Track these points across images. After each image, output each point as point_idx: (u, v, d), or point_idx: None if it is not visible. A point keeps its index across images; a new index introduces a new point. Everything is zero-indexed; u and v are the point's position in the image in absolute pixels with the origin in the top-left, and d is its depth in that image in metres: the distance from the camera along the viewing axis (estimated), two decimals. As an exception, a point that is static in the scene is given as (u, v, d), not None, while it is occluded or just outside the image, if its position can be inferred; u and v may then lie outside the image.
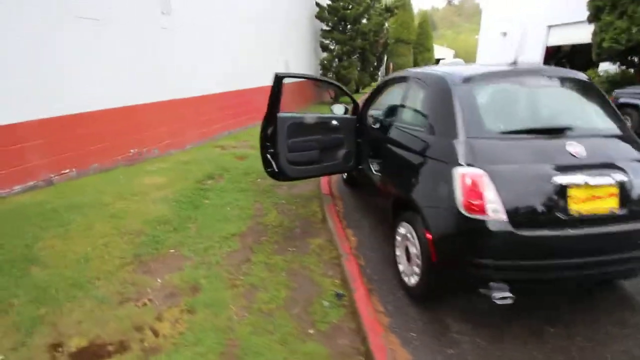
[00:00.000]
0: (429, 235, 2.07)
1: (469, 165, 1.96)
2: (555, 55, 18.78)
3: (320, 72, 12.81)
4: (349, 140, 4.02)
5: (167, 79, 5.82)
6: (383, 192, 2.93)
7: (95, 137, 4.58)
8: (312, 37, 12.28)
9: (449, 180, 2.00)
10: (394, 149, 2.73)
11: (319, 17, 12.03)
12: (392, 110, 3.17)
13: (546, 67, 3.04)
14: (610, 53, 9.10)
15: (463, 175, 1.95)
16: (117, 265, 2.58)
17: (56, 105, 4.05)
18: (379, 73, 20.23)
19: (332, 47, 12.51)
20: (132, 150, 5.12)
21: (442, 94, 2.31)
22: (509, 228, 1.83)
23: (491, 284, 1.91)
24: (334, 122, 3.85)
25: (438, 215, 2.06)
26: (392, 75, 3.59)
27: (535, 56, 18.24)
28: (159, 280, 2.51)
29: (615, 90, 7.45)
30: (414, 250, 2.29)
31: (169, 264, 2.74)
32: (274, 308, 2.30)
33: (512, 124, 2.15)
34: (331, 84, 4.24)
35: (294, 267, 2.79)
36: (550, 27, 17.78)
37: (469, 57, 30.27)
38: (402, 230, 2.51)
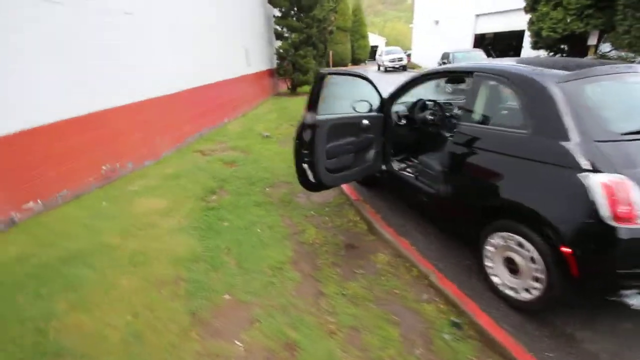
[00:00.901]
0: (566, 250, 1.91)
1: (604, 171, 1.83)
2: (482, 42, 20.54)
3: (277, 61, 12.09)
4: (378, 140, 3.72)
5: (128, 78, 4.79)
6: (455, 200, 2.71)
7: (58, 156, 3.54)
8: (266, 23, 11.45)
9: (581, 189, 1.85)
10: (478, 152, 2.50)
11: (272, 1, 11.23)
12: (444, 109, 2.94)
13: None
14: (547, 42, 10.14)
15: (605, 183, 1.82)
16: (177, 333, 1.95)
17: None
18: (324, 62, 20.00)
19: (286, 35, 11.84)
20: (104, 167, 4.12)
21: (546, 93, 2.14)
22: None
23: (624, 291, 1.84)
24: (365, 122, 3.51)
25: (577, 227, 1.90)
26: (432, 69, 3.34)
27: (465, 43, 19.72)
28: (238, 343, 1.97)
29: None
30: (530, 264, 2.13)
31: (235, 316, 2.18)
32: (395, 354, 1.95)
33: (631, 123, 2.07)
34: (370, 81, 3.76)
35: (379, 294, 2.44)
36: (477, 15, 19.34)
37: (399, 44, 31.67)
38: (496, 240, 2.34)
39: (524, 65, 2.47)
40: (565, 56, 10.52)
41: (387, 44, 39.27)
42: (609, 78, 2.25)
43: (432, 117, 3.77)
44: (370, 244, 3.09)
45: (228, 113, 8.37)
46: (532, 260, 2.12)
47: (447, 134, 3.94)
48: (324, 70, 3.02)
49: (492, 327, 2.02)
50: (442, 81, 6.28)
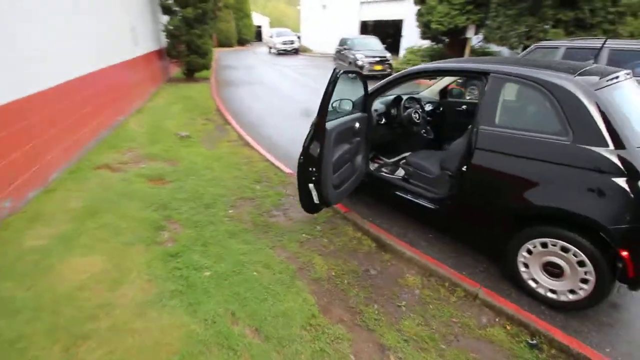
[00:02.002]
0: (624, 253, 1.98)
1: None
2: (366, 29, 21.87)
3: (167, 40, 10.10)
4: (364, 143, 3.36)
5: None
6: (481, 209, 2.60)
7: None
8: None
9: (633, 192, 1.94)
10: (510, 158, 2.39)
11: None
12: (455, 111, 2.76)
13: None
14: (434, 33, 11.34)
15: (659, 188, 1.93)
16: None
17: None
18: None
19: (175, 9, 9.93)
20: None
21: (584, 102, 2.13)
22: None
23: None
24: (357, 124, 3.08)
25: (634, 230, 1.97)
26: (425, 67, 3.08)
27: (352, 29, 20.64)
28: None
29: None
30: (578, 267, 2.17)
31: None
32: (507, 405, 1.72)
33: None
34: (363, 77, 3.21)
35: (440, 329, 2.16)
36: (362, 3, 20.37)
37: (283, 26, 31.19)
38: (534, 247, 2.33)
39: (544, 69, 2.45)
40: (448, 47, 12.03)
41: (271, 25, 38.17)
42: (622, 83, 2.40)
43: (416, 116, 3.60)
44: (391, 266, 2.76)
45: (122, 108, 6.56)
46: (580, 264, 2.17)
47: (425, 134, 3.89)
48: (339, 68, 2.44)
49: (571, 342, 1.99)
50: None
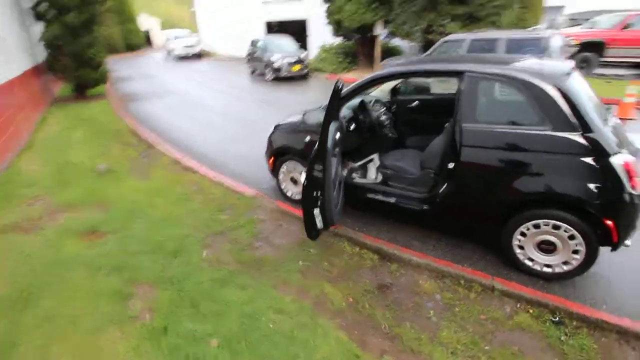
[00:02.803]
0: (609, 222, 2.26)
1: (618, 153, 2.25)
2: (270, 30, 21.58)
3: (48, 52, 8.27)
4: (339, 150, 3.22)
5: None
6: (473, 202, 2.70)
7: None
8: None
9: (610, 170, 2.23)
10: (498, 151, 2.51)
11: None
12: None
13: None
14: (346, 31, 11.73)
15: (626, 162, 2.24)
16: None
17: None
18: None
19: (50, 18, 8.15)
20: None
21: (555, 94, 2.35)
22: None
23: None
24: (338, 135, 2.92)
25: (616, 202, 2.26)
26: (397, 69, 3.02)
27: (258, 30, 20.18)
28: None
29: (386, 60, 9.85)
30: (569, 241, 2.42)
31: None
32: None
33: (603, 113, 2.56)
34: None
35: (477, 330, 2.16)
36: (264, 3, 19.98)
37: (174, 27, 28.84)
38: (527, 229, 2.53)
39: (505, 65, 2.64)
40: (360, 43, 12.57)
41: (163, 28, 34.91)
42: (573, 74, 2.70)
43: (385, 118, 3.59)
44: (401, 276, 2.70)
45: (8, 144, 5.15)
46: (571, 237, 2.42)
47: (390, 134, 3.91)
48: (341, 83, 2.21)
49: (588, 311, 2.20)
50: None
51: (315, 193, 2.39)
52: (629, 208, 2.27)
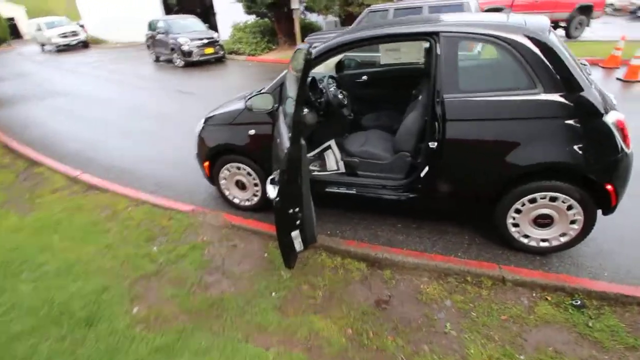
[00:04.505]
0: (609, 187, 2.09)
1: (609, 112, 2.07)
2: (169, 11, 19.02)
3: None
4: None
5: None
6: (464, 181, 2.35)
7: None
8: None
9: (606, 130, 2.03)
10: (488, 123, 2.15)
11: None
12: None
13: None
14: (260, 7, 10.69)
15: (619, 120, 2.07)
16: None
17: None
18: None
19: None
20: None
21: (544, 47, 2.05)
22: None
23: None
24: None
25: (612, 164, 2.08)
26: (352, 36, 2.42)
27: (156, 12, 17.64)
28: None
29: (309, 36, 9.10)
30: (567, 211, 2.22)
31: None
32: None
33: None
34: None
35: (503, 337, 1.82)
36: (157, -21, 17.36)
37: (48, 14, 23.91)
38: (522, 205, 2.29)
39: (482, 20, 2.26)
40: (276, 20, 11.62)
41: (30, 15, 28.70)
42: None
43: (342, 96, 3.02)
44: (398, 283, 2.25)
45: None
46: (569, 207, 2.23)
47: (347, 114, 3.36)
48: (312, 41, 1.53)
49: (605, 286, 2.02)
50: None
51: (292, 210, 1.76)
52: (625, 169, 2.12)
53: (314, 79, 2.92)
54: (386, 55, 3.52)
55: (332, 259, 2.46)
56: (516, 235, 2.43)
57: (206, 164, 3.06)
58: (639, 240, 2.48)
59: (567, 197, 2.19)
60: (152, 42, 12.20)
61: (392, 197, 2.60)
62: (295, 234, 1.82)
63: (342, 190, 2.75)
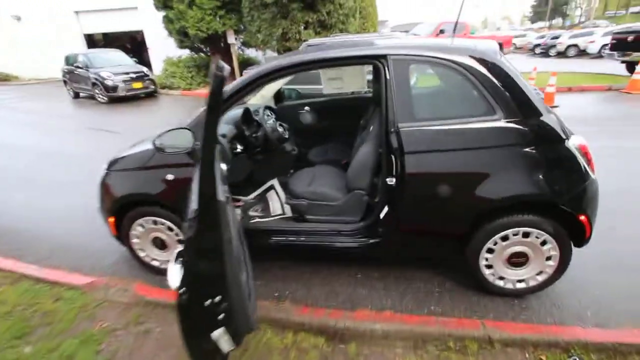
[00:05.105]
0: (583, 217, 1.89)
1: (570, 136, 1.93)
2: (94, 45, 17.69)
3: None
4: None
5: None
6: (425, 221, 2.03)
7: None
8: None
9: (571, 156, 1.87)
10: (449, 154, 1.86)
11: None
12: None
13: None
14: (195, 41, 10.24)
15: (581, 144, 1.93)
16: None
17: None
18: None
19: None
20: None
21: (502, 71, 1.87)
22: None
23: None
24: (224, 167, 1.80)
25: (582, 192, 1.89)
26: (289, 61, 2.05)
27: (76, 45, 16.25)
28: None
29: (247, 69, 8.73)
30: (542, 247, 1.98)
31: None
32: None
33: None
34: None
35: None
36: (77, 12, 16.14)
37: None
38: (494, 244, 2.02)
39: (427, 43, 2.05)
40: (213, 53, 11.23)
41: None
42: None
43: (282, 129, 2.59)
44: (374, 356, 1.76)
45: None
46: (543, 243, 1.99)
47: (291, 150, 2.93)
48: (221, 65, 1.06)
49: (599, 335, 1.75)
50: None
51: (210, 302, 1.20)
52: (594, 197, 1.96)
53: (247, 110, 2.48)
54: (328, 85, 3.24)
55: (280, 337, 1.89)
56: (491, 279, 2.13)
57: (111, 219, 2.36)
58: (605, 264, 2.34)
59: (540, 231, 1.95)
60: (70, 77, 10.96)
61: (350, 244, 2.18)
62: (218, 333, 1.26)
63: (290, 239, 2.27)
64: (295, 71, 2.07)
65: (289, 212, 2.53)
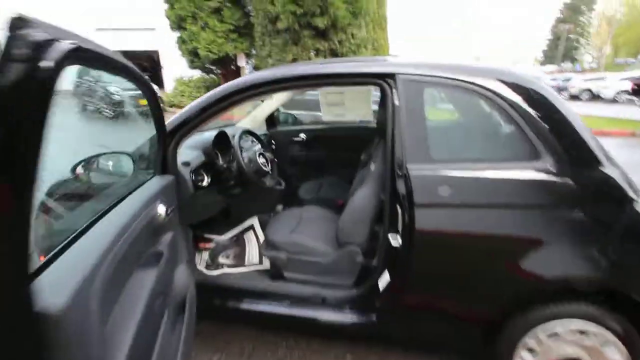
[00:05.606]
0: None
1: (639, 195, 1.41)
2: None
3: None
4: (184, 235, 1.63)
5: None
6: (445, 292, 1.50)
7: None
8: None
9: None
10: (480, 210, 1.36)
11: None
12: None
13: None
14: (205, 62, 10.23)
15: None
16: None
17: None
18: None
19: None
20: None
21: (539, 99, 1.41)
22: None
23: None
24: (162, 209, 1.32)
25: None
26: (275, 73, 1.62)
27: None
28: None
29: None
30: (601, 349, 1.42)
31: None
32: None
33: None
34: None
35: None
36: (98, 30, 16.62)
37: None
38: (536, 341, 1.45)
39: (455, 65, 1.61)
40: (223, 76, 11.19)
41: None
42: None
43: (264, 161, 2.13)
44: None
45: None
46: (604, 344, 1.42)
47: (276, 184, 2.45)
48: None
49: None
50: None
51: None
52: None
53: (223, 133, 2.02)
54: (327, 111, 2.80)
55: None
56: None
57: None
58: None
59: (600, 328, 1.39)
60: (79, 90, 10.94)
61: (336, 320, 1.63)
62: None
63: (264, 308, 1.73)
64: (277, 88, 1.63)
65: (267, 264, 2.01)
